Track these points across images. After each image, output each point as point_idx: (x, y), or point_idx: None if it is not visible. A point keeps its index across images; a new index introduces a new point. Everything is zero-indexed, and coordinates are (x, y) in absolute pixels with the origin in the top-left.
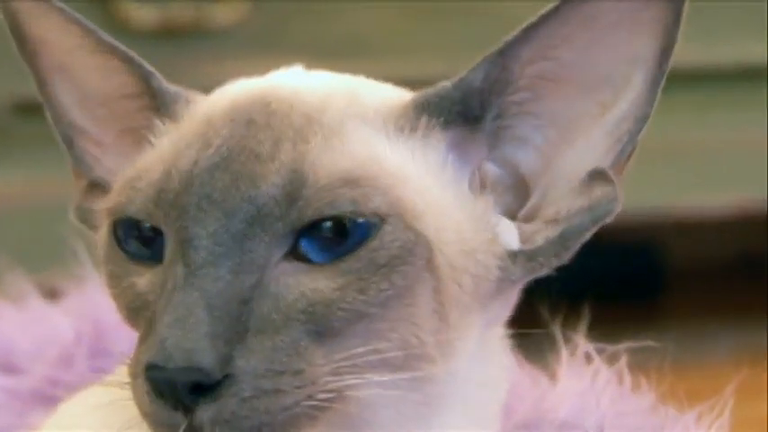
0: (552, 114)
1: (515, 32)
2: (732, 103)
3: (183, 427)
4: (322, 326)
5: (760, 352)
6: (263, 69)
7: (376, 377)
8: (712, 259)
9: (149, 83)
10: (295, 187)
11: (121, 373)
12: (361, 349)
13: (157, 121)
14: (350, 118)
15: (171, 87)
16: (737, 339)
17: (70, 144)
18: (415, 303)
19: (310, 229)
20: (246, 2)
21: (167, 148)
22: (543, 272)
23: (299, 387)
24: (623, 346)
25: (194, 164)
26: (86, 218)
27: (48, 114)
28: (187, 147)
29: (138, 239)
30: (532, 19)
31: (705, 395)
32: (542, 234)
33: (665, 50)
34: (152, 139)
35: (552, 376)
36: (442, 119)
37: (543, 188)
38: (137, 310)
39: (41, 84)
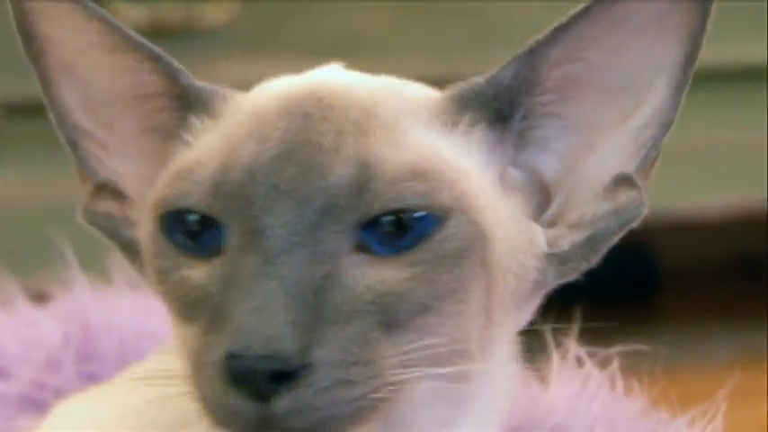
0: (576, 118)
1: (545, 32)
2: (732, 103)
3: (257, 415)
4: (389, 317)
5: (759, 354)
6: (254, 69)
7: (432, 370)
8: (709, 260)
9: (177, 80)
10: (363, 179)
11: (153, 369)
12: (425, 341)
13: (193, 118)
14: (402, 113)
15: (203, 84)
16: (733, 341)
17: (74, 146)
18: (467, 299)
19: (373, 222)
20: (237, 1)
21: (216, 142)
22: (572, 276)
23: (369, 378)
24: (615, 349)
25: (255, 156)
26: (95, 220)
27: (51, 116)
28: (244, 140)
29: (185, 233)
30: (562, 19)
31: (699, 398)
32: (567, 238)
33: (690, 56)
34: (187, 136)
35: (543, 380)
36: (479, 115)
37: (565, 193)
38: (194, 303)
39: (46, 84)
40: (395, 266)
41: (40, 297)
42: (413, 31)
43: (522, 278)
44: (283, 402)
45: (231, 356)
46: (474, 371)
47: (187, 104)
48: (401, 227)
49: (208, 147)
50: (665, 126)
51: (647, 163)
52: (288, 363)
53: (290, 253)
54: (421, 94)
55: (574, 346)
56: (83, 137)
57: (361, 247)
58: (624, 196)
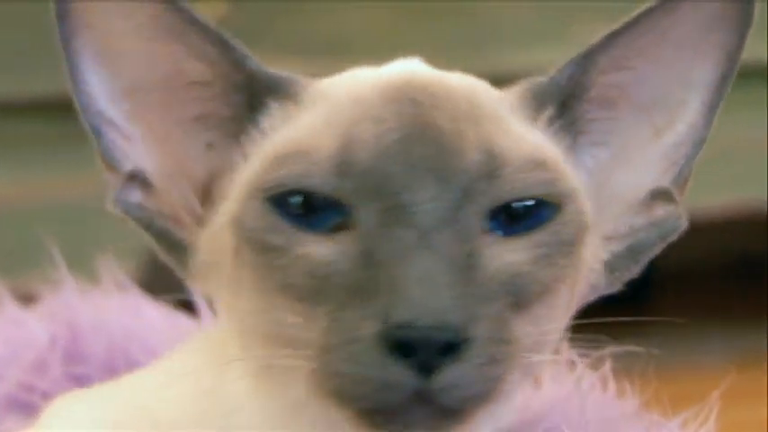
0: (612, 131)
1: (599, 38)
2: (732, 102)
3: (414, 389)
4: (519, 298)
5: (757, 355)
6: None
7: (539, 357)
8: (707, 261)
9: (243, 66)
10: (492, 166)
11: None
12: (544, 327)
13: (271, 104)
14: (497, 104)
15: (274, 71)
16: (730, 342)
17: (98, 134)
18: (560, 290)
19: (500, 209)
20: (227, 1)
21: (319, 125)
22: (617, 286)
23: (511, 357)
24: (607, 350)
25: (378, 137)
26: (128, 210)
27: (75, 101)
28: (358, 122)
29: (296, 213)
30: (615, 26)
31: (693, 400)
32: (606, 248)
33: (725, 77)
34: (264, 121)
35: (535, 382)
36: (551, 113)
37: (599, 205)
38: (322, 279)
39: (73, 67)
40: (517, 248)
41: (27, 298)
42: (406, 32)
43: (588, 278)
44: (445, 376)
45: (399, 327)
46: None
47: (255, 91)
48: (525, 213)
49: (310, 130)
50: (698, 144)
51: (681, 179)
52: (457, 335)
53: (441, 229)
54: (492, 89)
55: (566, 348)
56: (107, 126)
57: (487, 231)
58: (661, 210)
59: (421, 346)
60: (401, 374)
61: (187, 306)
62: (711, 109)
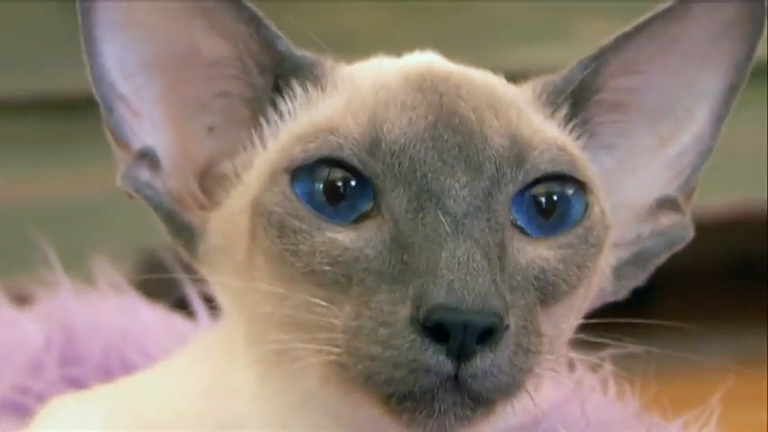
0: (618, 139)
1: (610, 39)
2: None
3: (448, 375)
4: (546, 295)
5: (758, 357)
6: None
7: (553, 357)
8: (708, 262)
9: (273, 46)
10: (518, 150)
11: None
12: (563, 325)
13: (295, 85)
14: (514, 97)
15: (302, 51)
16: (731, 344)
17: (109, 109)
18: (579, 291)
19: (523, 204)
20: None
21: (346, 107)
22: (623, 294)
23: (540, 350)
24: (607, 352)
25: (409, 122)
26: (137, 188)
27: (89, 72)
28: (387, 106)
29: (315, 202)
30: (627, 29)
31: (693, 403)
32: (613, 255)
33: (733, 87)
34: (285, 102)
35: (535, 384)
36: (567, 112)
37: None
38: (348, 264)
39: (90, 38)
40: (547, 246)
41: (22, 299)
42: (405, 29)
43: (599, 282)
44: (480, 363)
45: (436, 310)
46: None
47: (282, 72)
48: (551, 205)
49: (335, 113)
50: (705, 154)
51: (687, 188)
52: (499, 320)
53: (475, 216)
54: (507, 83)
55: (565, 350)
56: (117, 100)
57: (514, 224)
58: (667, 219)
59: (459, 330)
60: (435, 359)
61: (183, 307)
62: (718, 119)
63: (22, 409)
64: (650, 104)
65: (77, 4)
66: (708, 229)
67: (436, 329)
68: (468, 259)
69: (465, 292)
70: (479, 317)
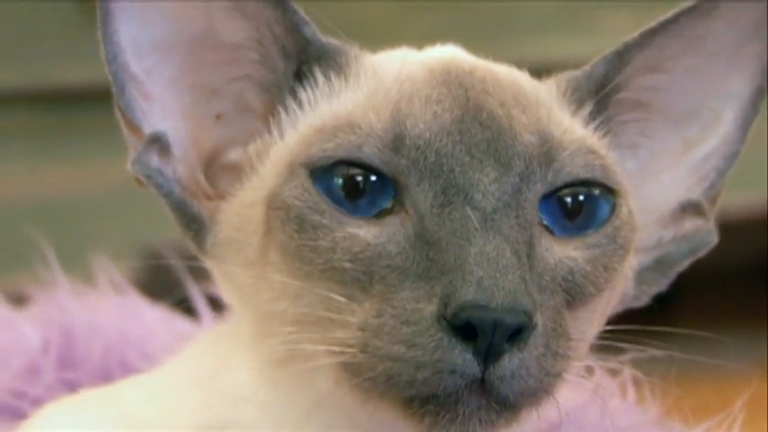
0: (642, 138)
1: (634, 36)
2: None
3: (475, 377)
4: (573, 296)
5: None
6: None
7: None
8: (731, 264)
9: (298, 30)
10: (548, 148)
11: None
12: (589, 330)
13: (317, 73)
14: (540, 93)
15: (328, 39)
16: (755, 349)
17: (121, 90)
18: (604, 295)
19: (551, 199)
20: None
21: (369, 100)
22: (644, 300)
23: (569, 353)
24: (627, 357)
25: (434, 116)
26: (147, 173)
27: (103, 51)
28: (412, 100)
29: (335, 196)
30: (652, 24)
31: (715, 409)
32: (634, 259)
33: (761, 90)
34: (305, 90)
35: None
36: (591, 110)
37: None
38: (370, 261)
39: (106, 16)
40: (575, 247)
41: (19, 299)
42: (414, 22)
43: (621, 287)
44: (508, 364)
45: (471, 307)
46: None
47: (306, 58)
48: (579, 205)
49: (358, 105)
50: (731, 158)
51: (712, 193)
52: (530, 319)
53: (504, 212)
54: (532, 78)
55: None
56: (129, 81)
57: (540, 223)
58: (690, 224)
59: (488, 329)
60: (462, 358)
61: (186, 308)
62: (746, 122)
63: (17, 414)
64: (675, 105)
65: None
66: (732, 230)
67: (463, 328)
68: (498, 255)
69: (495, 289)
70: (510, 315)
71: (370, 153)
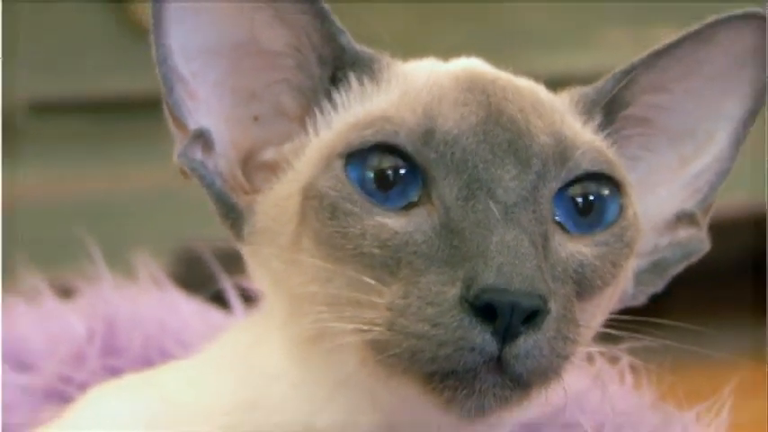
0: (643, 152)
1: (642, 55)
2: None
3: (492, 355)
4: (582, 288)
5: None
6: None
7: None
8: (720, 258)
9: (335, 39)
10: (562, 149)
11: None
12: (590, 322)
13: (352, 78)
14: (555, 103)
15: (361, 46)
16: (742, 339)
17: (170, 89)
18: (608, 290)
19: (563, 201)
20: None
21: (401, 101)
22: (641, 300)
23: (577, 338)
24: (624, 346)
25: (461, 116)
26: (192, 166)
27: (153, 52)
28: (440, 102)
29: (367, 187)
30: (657, 46)
31: (708, 394)
32: (633, 262)
33: (753, 112)
34: (336, 98)
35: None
36: (600, 122)
37: None
38: (397, 248)
39: (158, 19)
40: (585, 243)
41: (66, 292)
42: (425, 35)
43: (623, 285)
44: (523, 344)
45: (486, 291)
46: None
47: (341, 65)
48: (590, 204)
49: (390, 104)
50: (723, 174)
51: (705, 204)
52: (545, 303)
53: (523, 206)
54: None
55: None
56: (177, 81)
57: (554, 220)
58: (684, 232)
59: (507, 310)
60: (482, 337)
61: (219, 301)
62: (737, 142)
63: (64, 398)
64: (674, 124)
65: (154, 11)
66: (718, 230)
67: (483, 309)
68: (517, 245)
69: (513, 274)
70: (527, 299)
71: (405, 140)
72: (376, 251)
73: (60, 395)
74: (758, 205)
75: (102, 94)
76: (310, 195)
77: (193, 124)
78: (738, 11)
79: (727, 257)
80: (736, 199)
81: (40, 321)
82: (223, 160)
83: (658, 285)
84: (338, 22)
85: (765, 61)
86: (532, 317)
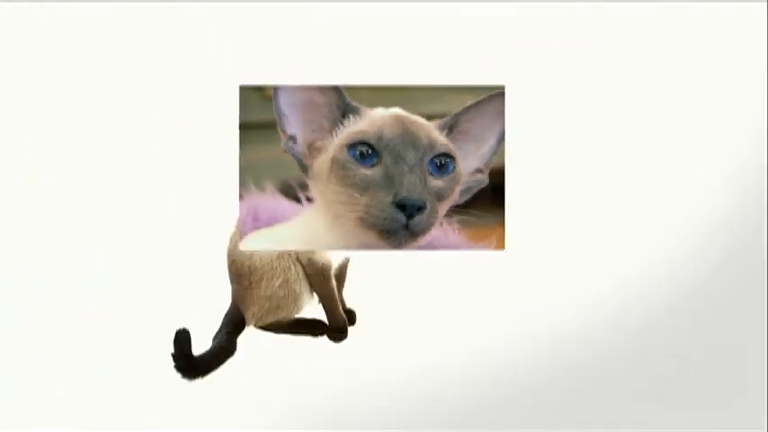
0: (463, 145)
1: (465, 106)
2: None
3: (403, 224)
4: (439, 198)
5: None
6: None
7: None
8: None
9: (342, 100)
10: (432, 142)
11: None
12: (443, 209)
13: (350, 116)
14: (430, 127)
15: (355, 103)
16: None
17: (281, 119)
18: (450, 197)
19: (433, 161)
20: None
21: (370, 125)
22: (461, 201)
23: (437, 216)
24: (456, 218)
25: (393, 130)
26: (289, 149)
27: (274, 108)
28: (385, 126)
29: (357, 156)
30: (469, 102)
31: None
32: (458, 187)
33: (500, 137)
34: (344, 123)
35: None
36: (447, 132)
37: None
38: (366, 183)
39: (277, 102)
40: (441, 181)
41: None
42: (387, 104)
43: (455, 197)
44: (420, 219)
45: (404, 198)
46: None
47: (346, 111)
48: (442, 165)
49: (366, 126)
50: (492, 154)
51: (486, 164)
52: (425, 203)
53: (417, 166)
54: (428, 122)
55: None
56: (283, 115)
57: (428, 172)
58: (478, 176)
59: (411, 206)
60: (401, 217)
61: (298, 200)
62: (498, 144)
63: None
64: (474, 135)
65: (273, 93)
66: None
67: (401, 206)
68: (414, 181)
69: (413, 193)
70: (418, 201)
71: (371, 139)
72: (359, 183)
73: None
74: None
75: None
76: (334, 160)
77: (290, 132)
78: (496, 92)
79: None
80: None
81: None
82: (300, 146)
83: (466, 197)
84: (346, 94)
85: (502, 117)
86: (420, 209)
